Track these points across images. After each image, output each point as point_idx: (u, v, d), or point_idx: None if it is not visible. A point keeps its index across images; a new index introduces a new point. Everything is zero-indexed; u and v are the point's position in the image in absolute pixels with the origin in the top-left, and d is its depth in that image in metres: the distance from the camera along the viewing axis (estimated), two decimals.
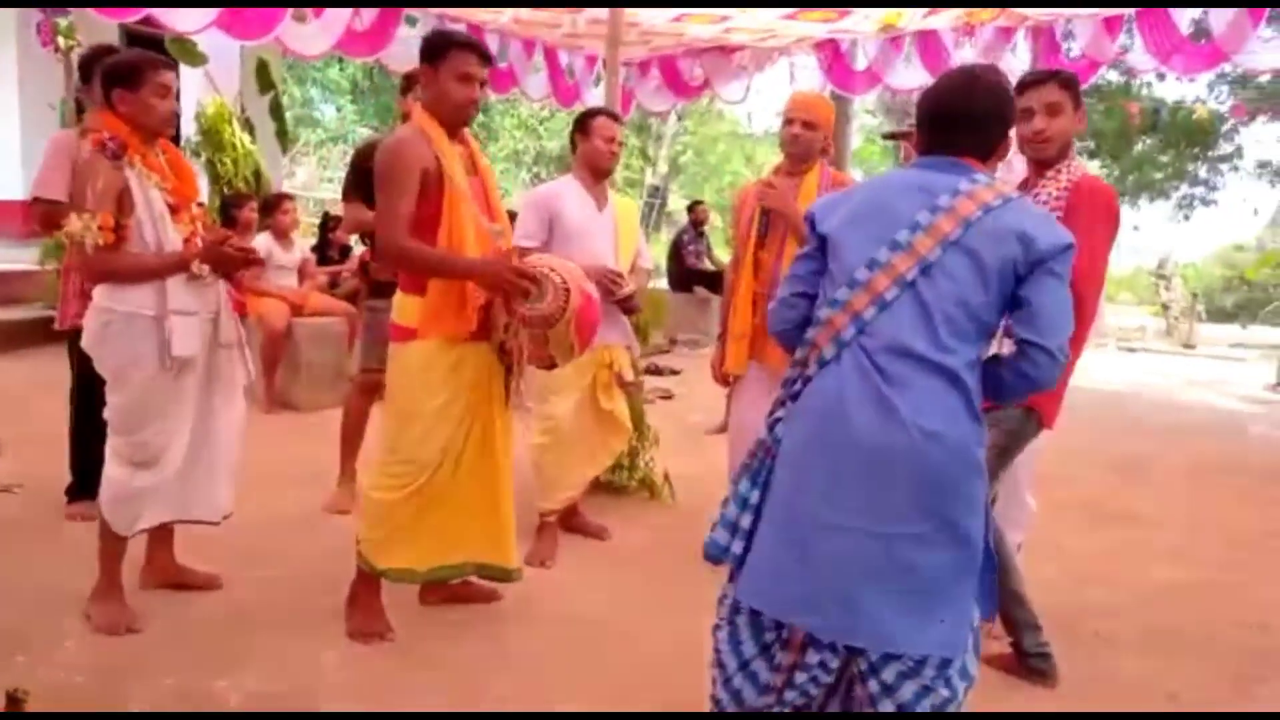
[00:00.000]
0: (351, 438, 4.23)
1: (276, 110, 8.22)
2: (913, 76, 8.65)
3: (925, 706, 1.91)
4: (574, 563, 3.68)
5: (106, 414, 2.87)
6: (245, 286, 5.95)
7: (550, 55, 9.71)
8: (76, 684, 2.56)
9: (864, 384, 1.88)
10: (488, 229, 2.93)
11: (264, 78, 8.02)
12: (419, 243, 2.78)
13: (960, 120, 2.02)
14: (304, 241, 6.76)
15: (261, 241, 5.98)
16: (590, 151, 3.74)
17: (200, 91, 7.77)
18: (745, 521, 2.01)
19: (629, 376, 3.89)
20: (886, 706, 1.92)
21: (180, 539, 3.24)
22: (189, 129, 7.72)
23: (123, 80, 2.83)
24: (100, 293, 2.84)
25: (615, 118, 3.86)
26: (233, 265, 2.97)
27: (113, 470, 2.88)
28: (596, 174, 3.79)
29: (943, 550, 1.87)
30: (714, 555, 2.05)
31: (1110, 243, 2.67)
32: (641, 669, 2.83)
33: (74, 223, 2.69)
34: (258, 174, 7.71)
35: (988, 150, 2.04)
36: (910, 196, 1.96)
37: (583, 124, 3.78)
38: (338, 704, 2.55)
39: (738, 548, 2.02)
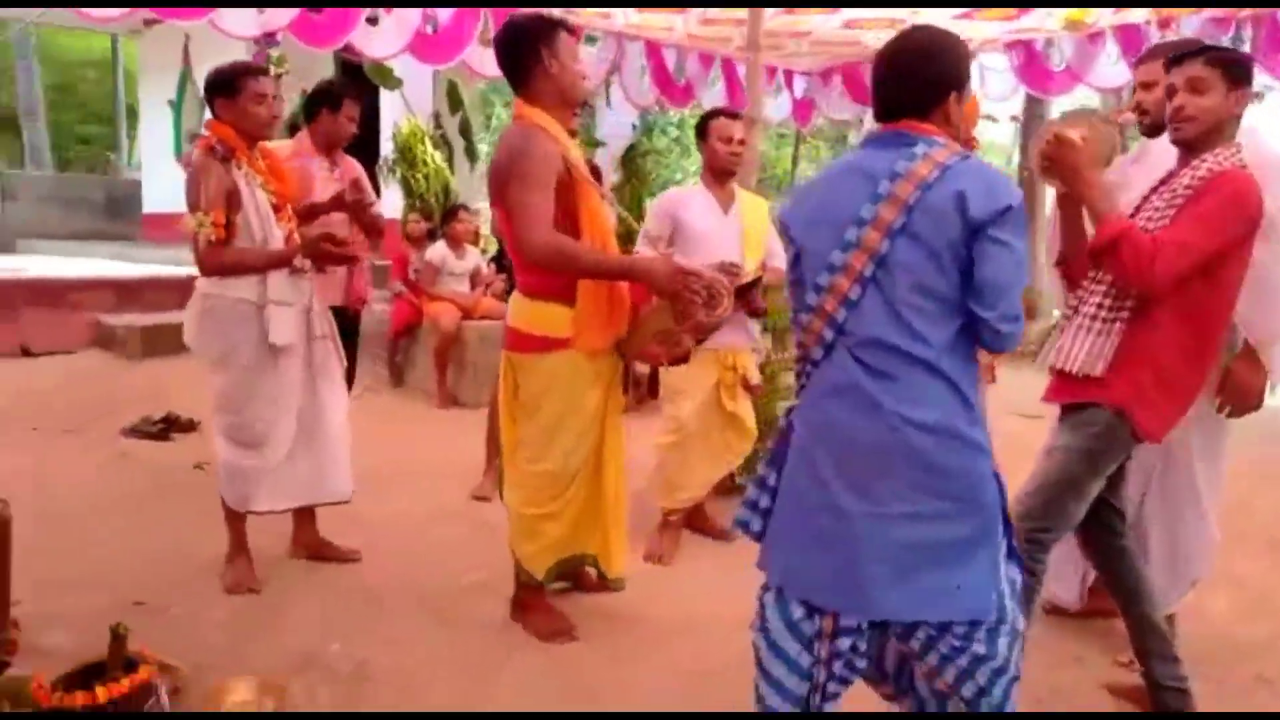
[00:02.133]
0: (497, 431, 4.43)
1: (465, 129, 8.73)
2: (1117, 73, 8.07)
3: (966, 661, 1.91)
4: (693, 563, 3.69)
5: (211, 395, 3.17)
6: (421, 291, 6.38)
7: (728, 67, 9.77)
8: (211, 638, 2.84)
9: (850, 378, 1.90)
10: (611, 230, 2.92)
11: (454, 99, 8.55)
12: (573, 241, 2.68)
13: (889, 79, 1.97)
14: (478, 250, 7.14)
15: (437, 249, 6.39)
16: (709, 153, 3.75)
17: (397, 113, 8.38)
18: (764, 502, 2.07)
19: (754, 379, 3.86)
20: (933, 660, 1.93)
21: (332, 517, 3.53)
22: (386, 148, 8.36)
23: (223, 89, 3.11)
24: (205, 281, 3.12)
25: (734, 117, 3.85)
26: (330, 260, 3.21)
27: (220, 449, 3.19)
28: (719, 174, 3.79)
29: (950, 526, 1.87)
30: (740, 526, 2.13)
31: (1224, 237, 2.33)
32: (733, 670, 2.81)
33: (189, 221, 2.99)
34: (446, 189, 8.24)
35: (925, 105, 1.93)
36: (853, 186, 1.92)
37: (702, 126, 3.81)
38: (436, 680, 2.69)
39: (756, 525, 2.08)
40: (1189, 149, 2.47)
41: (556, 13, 2.96)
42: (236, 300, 3.08)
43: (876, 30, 8.03)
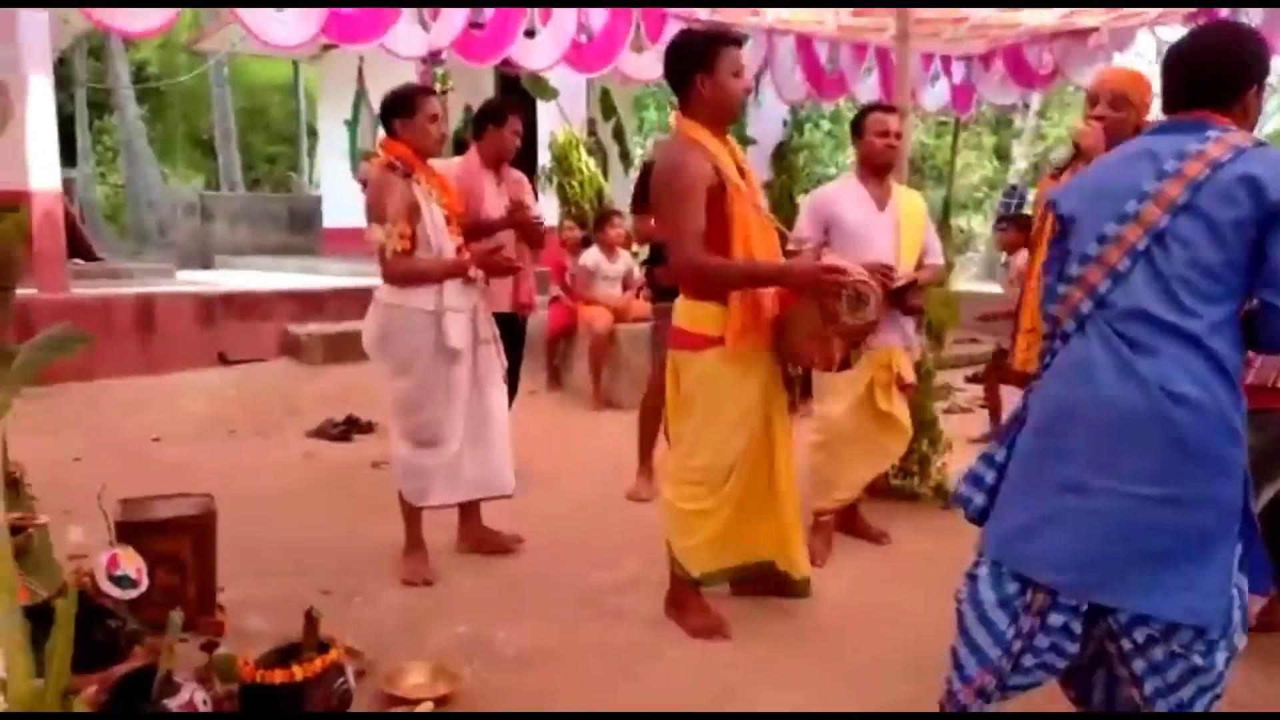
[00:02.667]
0: (647, 432, 4.54)
1: (619, 135, 8.92)
2: None
3: (1176, 673, 1.88)
4: (848, 564, 3.67)
5: (391, 399, 3.40)
6: (576, 294, 6.58)
7: (882, 56, 9.58)
8: (388, 622, 3.06)
9: (1107, 351, 1.90)
10: (770, 236, 2.98)
11: (607, 106, 8.76)
12: (719, 257, 2.81)
13: (1192, 70, 1.99)
14: (630, 254, 7.29)
15: (590, 254, 6.57)
16: (866, 148, 3.72)
17: (553, 123, 8.65)
18: (990, 478, 2.12)
19: (909, 378, 3.80)
20: (1139, 666, 1.90)
21: (494, 511, 3.73)
22: (544, 156, 8.64)
23: (402, 110, 3.33)
24: (386, 292, 3.34)
25: (890, 110, 3.81)
26: (499, 271, 3.40)
27: (399, 449, 3.42)
28: (875, 170, 3.75)
29: (1193, 514, 1.85)
30: (958, 502, 2.20)
31: None
32: (884, 670, 2.79)
33: (376, 232, 3.21)
34: (600, 194, 8.44)
35: (1228, 99, 1.96)
36: (1138, 165, 1.95)
37: (858, 122, 3.78)
38: (590, 668, 2.81)
39: (980, 500, 2.13)
40: None
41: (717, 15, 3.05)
42: (416, 310, 3.30)
43: (1036, 11, 7.71)
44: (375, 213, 3.28)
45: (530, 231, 4.03)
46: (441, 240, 3.34)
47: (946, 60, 10.22)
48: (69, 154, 13.17)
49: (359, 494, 4.44)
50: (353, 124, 10.80)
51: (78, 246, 8.13)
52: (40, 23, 6.54)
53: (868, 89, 9.71)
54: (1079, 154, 3.21)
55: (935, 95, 9.88)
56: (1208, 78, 1.97)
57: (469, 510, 3.67)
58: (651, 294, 4.68)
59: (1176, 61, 2.03)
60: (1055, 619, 1.94)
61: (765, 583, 3.26)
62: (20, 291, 2.52)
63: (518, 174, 4.33)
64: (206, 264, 11.82)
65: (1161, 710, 1.89)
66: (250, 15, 6.62)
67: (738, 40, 2.95)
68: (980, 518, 2.13)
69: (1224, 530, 1.86)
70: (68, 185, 8.05)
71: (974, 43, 9.15)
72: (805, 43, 9.07)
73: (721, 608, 3.13)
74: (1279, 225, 1.78)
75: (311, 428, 5.72)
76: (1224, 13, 7.39)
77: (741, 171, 2.99)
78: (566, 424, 6.09)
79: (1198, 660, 1.86)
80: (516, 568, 3.59)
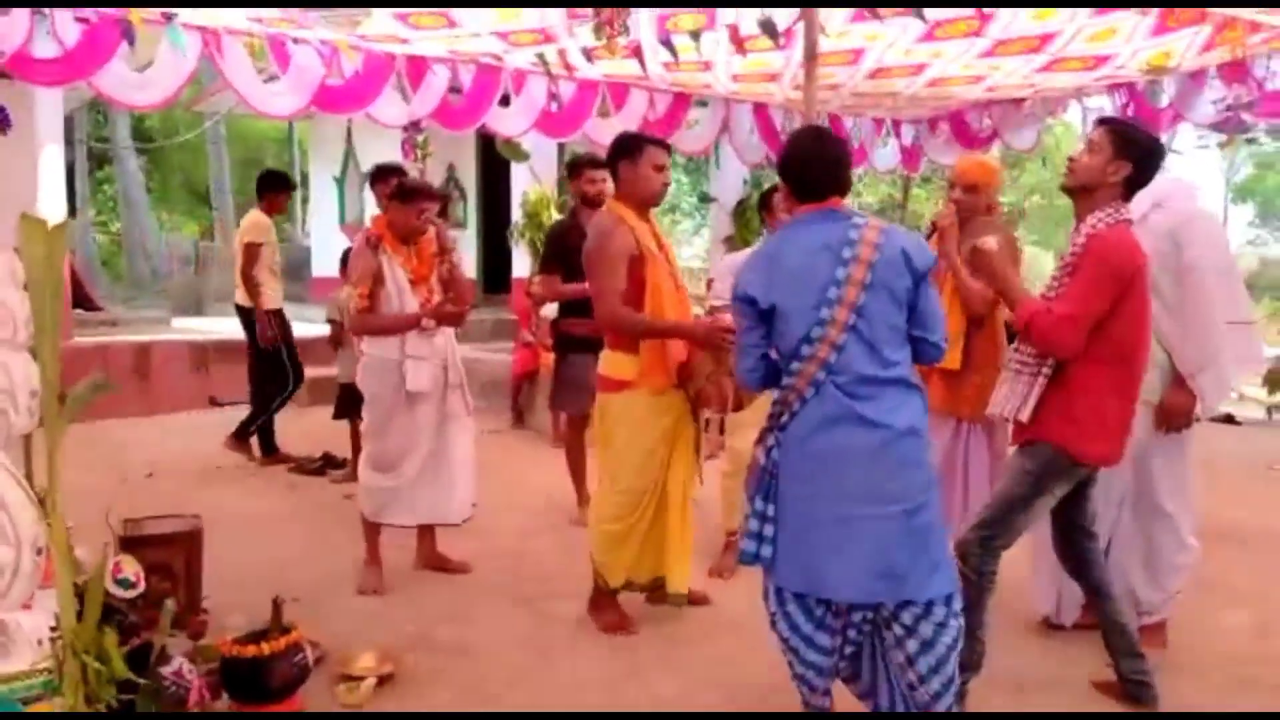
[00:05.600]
0: (575, 465, 5.11)
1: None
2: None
3: (948, 640, 2.44)
4: (752, 578, 4.21)
5: (363, 428, 4.00)
6: (539, 344, 7.17)
7: (834, 121, 10.29)
8: (346, 622, 3.61)
9: (841, 407, 2.43)
10: (680, 298, 3.58)
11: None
12: (634, 311, 3.41)
13: (825, 171, 2.58)
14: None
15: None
16: (773, 221, 4.34)
17: (526, 182, 9.31)
18: (768, 530, 2.55)
19: None
20: (910, 646, 2.45)
21: (455, 531, 4.27)
22: (516, 214, 9.28)
23: (397, 196, 3.96)
24: (364, 342, 3.99)
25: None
26: (451, 321, 4.00)
27: (363, 470, 4.02)
28: None
29: (926, 512, 2.43)
30: (747, 560, 2.60)
31: (1105, 298, 2.72)
32: (751, 661, 3.33)
33: (344, 291, 3.83)
34: None
35: (845, 187, 2.61)
36: (822, 257, 2.49)
37: (765, 199, 4.41)
38: (515, 655, 3.37)
39: (766, 551, 2.55)
40: (1072, 199, 2.92)
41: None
42: (382, 357, 3.92)
43: (963, 85, 8.42)
44: (346, 276, 3.90)
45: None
46: (405, 300, 3.94)
47: (897, 124, 10.95)
48: (70, 203, 13.78)
49: (331, 521, 4.99)
50: (341, 180, 11.43)
51: (81, 298, 8.70)
52: (55, 100, 7.20)
53: (885, 158, 10.46)
54: (934, 230, 3.80)
55: (886, 155, 10.57)
56: (835, 175, 2.59)
57: (425, 534, 4.23)
58: (556, 345, 5.20)
59: (811, 164, 2.59)
60: (855, 615, 2.52)
61: (657, 595, 3.77)
62: None
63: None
64: (201, 310, 12.39)
65: (926, 668, 2.45)
66: (246, 87, 7.27)
67: (663, 143, 3.63)
68: (771, 565, 2.55)
69: (939, 518, 2.48)
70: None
71: (920, 109, 9.88)
72: (761, 110, 9.77)
73: (634, 611, 3.69)
74: (923, 284, 2.52)
75: (292, 464, 6.26)
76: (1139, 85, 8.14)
77: (660, 244, 3.62)
78: (525, 458, 6.65)
79: (951, 620, 2.45)
80: (464, 580, 4.15)
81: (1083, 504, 2.99)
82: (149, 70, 6.81)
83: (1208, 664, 3.34)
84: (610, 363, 3.55)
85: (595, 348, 3.70)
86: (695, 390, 3.53)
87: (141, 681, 2.41)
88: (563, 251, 4.37)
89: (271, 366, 6.31)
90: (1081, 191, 2.87)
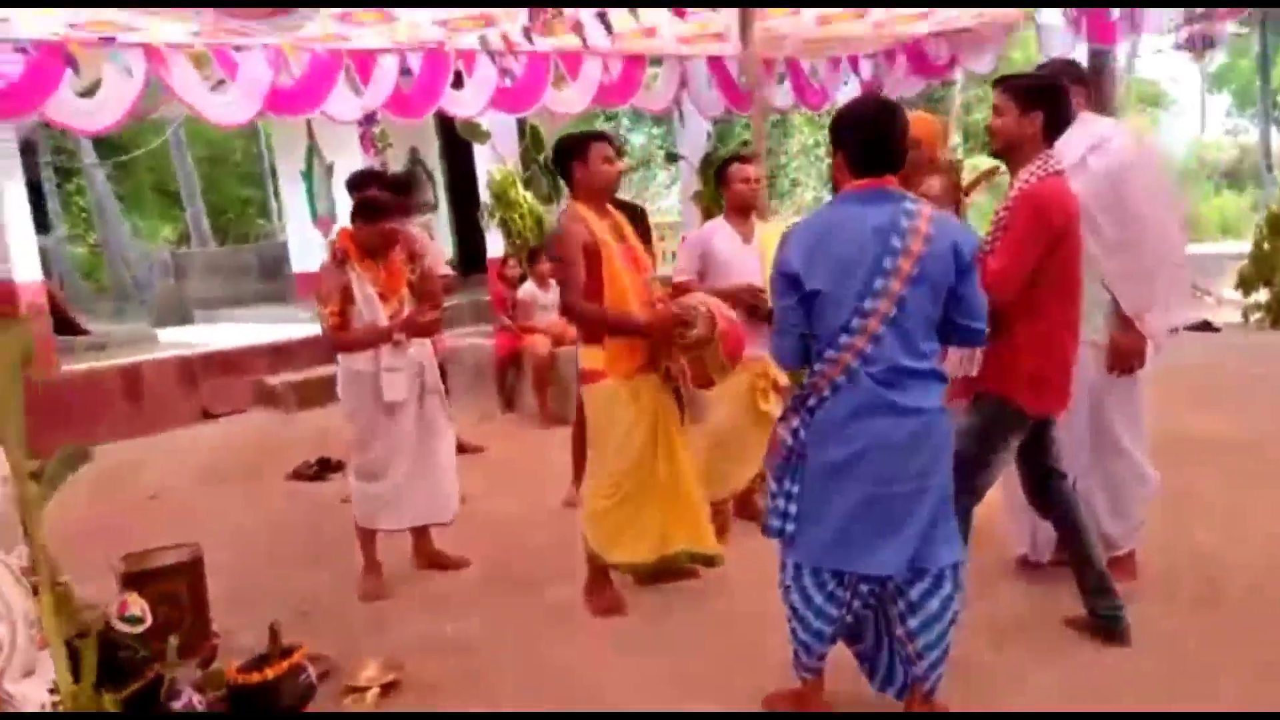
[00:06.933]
0: (579, 447, 5.21)
1: (546, 168, 9.55)
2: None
3: (949, 615, 2.58)
4: (745, 543, 4.34)
5: (346, 439, 4.12)
6: (517, 325, 7.25)
7: (792, 66, 10.26)
8: (354, 632, 3.73)
9: (874, 395, 2.48)
10: (641, 282, 3.71)
11: (536, 141, 9.40)
12: (594, 305, 3.58)
13: (886, 148, 2.53)
14: None
15: (526, 288, 7.24)
16: (731, 194, 4.43)
17: (489, 163, 9.30)
18: (792, 508, 2.64)
19: (784, 382, 4.46)
20: (913, 623, 2.57)
21: (448, 530, 4.38)
22: (485, 195, 9.28)
23: (359, 215, 4.01)
24: (341, 356, 4.09)
25: (747, 160, 4.52)
26: (422, 332, 4.08)
27: (353, 480, 4.15)
28: (740, 210, 4.45)
29: (947, 482, 2.57)
30: (774, 534, 2.70)
31: (1037, 250, 2.84)
32: (749, 626, 3.46)
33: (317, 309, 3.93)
34: (540, 223, 9.09)
35: (901, 164, 2.58)
36: (871, 242, 2.46)
37: (720, 172, 4.48)
38: (515, 645, 3.50)
39: (790, 527, 2.65)
40: (1005, 160, 2.98)
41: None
42: (357, 371, 4.02)
43: (909, 22, 8.38)
44: (317, 293, 4.03)
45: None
46: (375, 313, 4.02)
47: (854, 60, 10.90)
48: (40, 222, 13.74)
49: (332, 527, 5.07)
50: (308, 175, 11.35)
51: (63, 324, 8.71)
52: (9, 140, 7.20)
53: (783, 94, 10.41)
54: None
55: (848, 93, 10.55)
56: (899, 154, 2.56)
57: (420, 535, 4.34)
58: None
59: (879, 138, 2.53)
60: (863, 587, 2.61)
61: (676, 574, 3.93)
62: None
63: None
64: (185, 319, 12.39)
65: (918, 624, 2.58)
66: (196, 99, 7.27)
67: (605, 135, 3.75)
68: (793, 540, 2.64)
69: (949, 492, 2.58)
70: (43, 253, 8.56)
71: (878, 41, 9.84)
72: (717, 62, 9.74)
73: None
74: (967, 271, 2.54)
75: (289, 470, 6.37)
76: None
77: (622, 235, 3.73)
78: (516, 441, 6.73)
79: (955, 593, 2.59)
80: (463, 575, 4.26)
81: (1047, 445, 3.09)
82: (99, 94, 6.81)
83: (1176, 582, 3.47)
84: (584, 356, 3.72)
85: None
86: (663, 370, 3.69)
87: None
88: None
89: None
90: (1008, 151, 2.94)
